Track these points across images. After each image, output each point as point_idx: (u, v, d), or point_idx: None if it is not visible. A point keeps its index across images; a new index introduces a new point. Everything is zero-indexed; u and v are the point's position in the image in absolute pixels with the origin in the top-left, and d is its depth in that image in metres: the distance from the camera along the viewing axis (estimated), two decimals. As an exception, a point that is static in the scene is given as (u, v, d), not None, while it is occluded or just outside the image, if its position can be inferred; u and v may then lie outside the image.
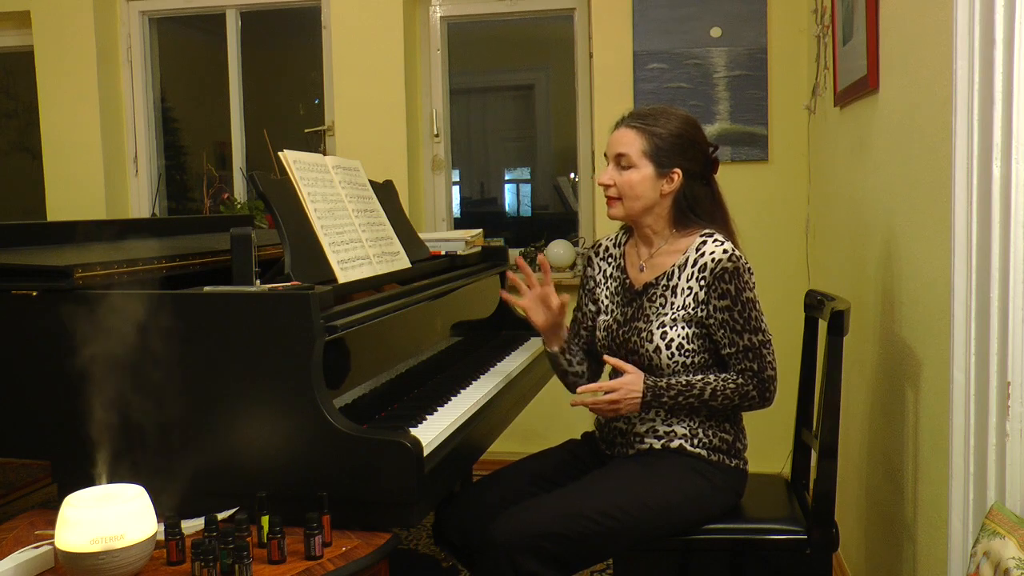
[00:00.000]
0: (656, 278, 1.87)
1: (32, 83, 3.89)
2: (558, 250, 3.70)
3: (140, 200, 4.04)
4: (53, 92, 3.86)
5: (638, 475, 1.80)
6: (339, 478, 1.51)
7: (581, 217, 3.85)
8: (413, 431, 1.62)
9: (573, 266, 3.73)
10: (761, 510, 1.91)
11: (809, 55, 3.24)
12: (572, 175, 3.91)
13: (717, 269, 1.77)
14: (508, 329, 2.77)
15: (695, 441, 1.82)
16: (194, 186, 4.20)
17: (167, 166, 4.17)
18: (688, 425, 1.83)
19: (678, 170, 1.83)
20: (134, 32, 4.00)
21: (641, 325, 1.84)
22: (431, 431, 1.68)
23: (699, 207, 1.86)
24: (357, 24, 3.67)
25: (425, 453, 1.54)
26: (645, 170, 1.82)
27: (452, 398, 1.95)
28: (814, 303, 2.03)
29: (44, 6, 3.82)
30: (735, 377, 1.79)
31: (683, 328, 1.80)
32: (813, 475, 1.87)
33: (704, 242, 1.81)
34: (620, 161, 1.84)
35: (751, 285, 1.79)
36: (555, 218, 4.12)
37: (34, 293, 1.63)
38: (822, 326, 1.91)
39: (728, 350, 1.79)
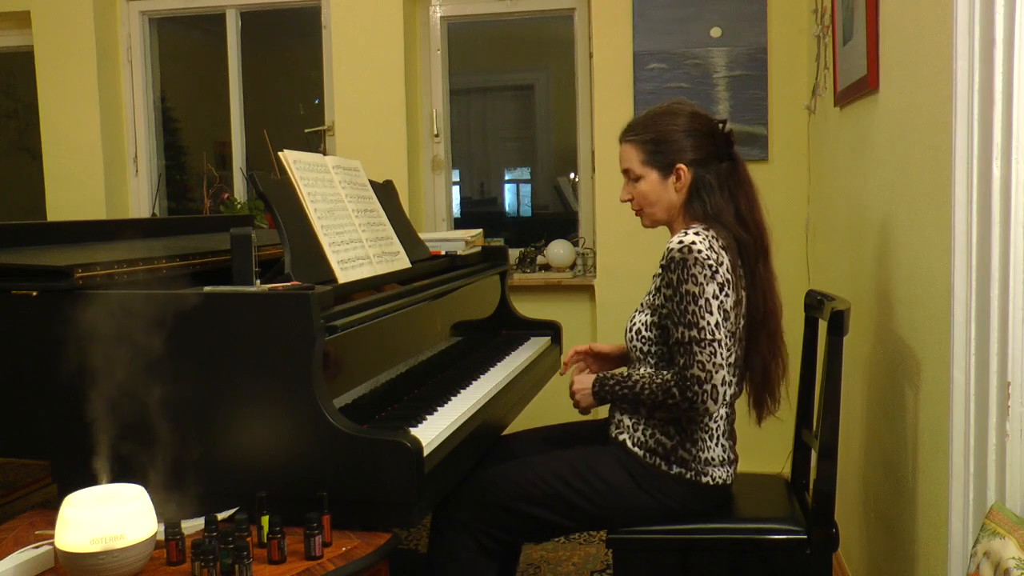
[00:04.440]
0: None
1: (32, 83, 3.89)
2: (558, 250, 3.70)
3: (140, 200, 4.04)
4: (53, 92, 3.86)
5: (574, 456, 1.87)
6: (339, 478, 1.51)
7: (581, 217, 3.84)
8: (413, 431, 1.62)
9: (573, 266, 3.73)
10: (761, 510, 1.91)
11: (809, 55, 3.24)
12: (572, 175, 3.91)
13: (668, 257, 1.76)
14: (508, 329, 2.77)
15: (634, 439, 1.84)
16: (194, 186, 4.20)
17: (167, 166, 4.17)
18: (633, 419, 1.86)
19: (681, 165, 1.84)
20: (134, 32, 4.00)
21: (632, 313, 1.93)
22: (431, 431, 1.68)
23: (711, 198, 1.84)
24: (357, 24, 3.67)
25: (425, 453, 1.54)
26: (650, 176, 1.87)
27: (452, 398, 1.95)
28: (814, 303, 2.03)
29: (44, 6, 3.82)
30: (666, 373, 1.79)
31: (647, 315, 1.85)
32: (813, 475, 1.87)
33: (679, 233, 1.80)
34: (628, 176, 1.91)
35: (698, 279, 1.72)
36: (555, 218, 4.12)
37: (34, 293, 1.63)
38: (822, 326, 1.91)
39: (671, 342, 1.78)
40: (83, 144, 3.84)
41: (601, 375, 1.89)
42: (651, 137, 1.85)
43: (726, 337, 1.74)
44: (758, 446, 2.52)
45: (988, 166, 1.34)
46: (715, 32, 3.39)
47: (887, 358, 1.99)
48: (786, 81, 3.38)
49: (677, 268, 1.73)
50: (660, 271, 1.81)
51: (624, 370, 1.92)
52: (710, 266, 1.73)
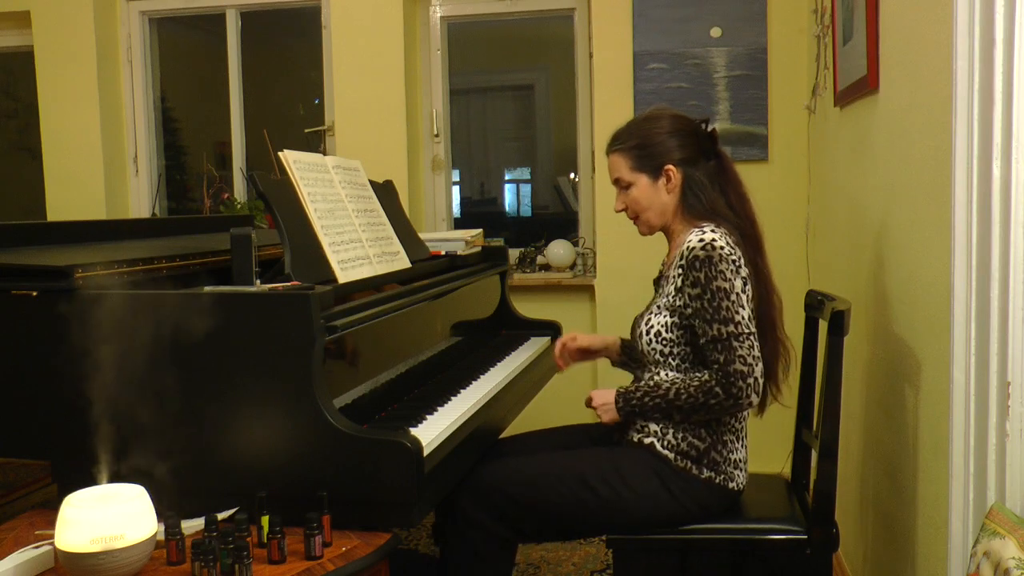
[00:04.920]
0: (662, 272, 1.93)
1: (32, 83, 3.89)
2: (558, 250, 3.70)
3: (140, 200, 4.04)
4: (53, 92, 3.86)
5: (601, 460, 1.84)
6: (339, 478, 1.51)
7: (581, 217, 3.85)
8: (413, 431, 1.62)
9: (573, 266, 3.73)
10: (761, 510, 1.91)
11: (809, 55, 3.24)
12: (572, 175, 3.91)
13: (690, 257, 1.77)
14: (508, 329, 2.77)
15: (664, 442, 1.82)
16: (194, 186, 4.20)
17: (167, 166, 4.17)
18: (661, 423, 1.83)
19: (670, 166, 1.86)
20: (134, 32, 4.00)
21: (642, 315, 1.90)
22: (431, 431, 1.68)
23: (704, 194, 1.87)
24: (357, 24, 3.67)
25: (425, 453, 1.54)
26: (640, 181, 1.89)
27: (452, 398, 1.95)
28: (814, 303, 2.03)
29: (44, 6, 3.82)
30: (702, 374, 1.78)
31: (665, 317, 1.83)
32: (813, 475, 1.87)
33: (694, 232, 1.81)
34: (620, 185, 1.92)
35: (726, 275, 1.74)
36: (555, 218, 4.12)
37: (34, 293, 1.63)
38: (822, 326, 1.91)
39: (701, 341, 1.77)
40: (83, 144, 3.84)
41: (623, 389, 1.86)
42: (637, 143, 1.88)
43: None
44: (758, 446, 2.51)
45: (988, 166, 1.34)
46: (715, 32, 3.39)
47: (887, 358, 2.00)
48: (786, 81, 3.37)
49: (704, 266, 1.74)
50: (680, 271, 1.80)
51: (645, 384, 1.87)
52: (734, 261, 1.76)
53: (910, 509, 1.81)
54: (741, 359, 1.71)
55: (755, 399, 1.73)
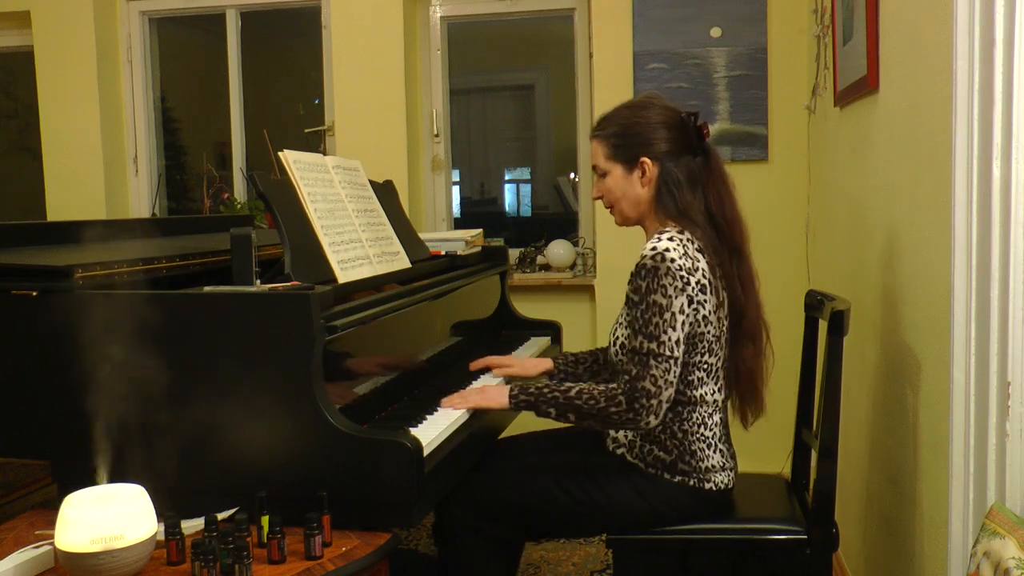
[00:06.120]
0: None
1: (32, 83, 3.89)
2: (558, 250, 3.70)
3: (140, 200, 4.04)
4: (53, 92, 3.86)
5: (577, 465, 1.86)
6: (339, 478, 1.51)
7: (581, 217, 3.85)
8: (413, 431, 1.62)
9: (573, 266, 3.73)
10: (761, 510, 1.91)
11: (809, 55, 3.24)
12: (572, 175, 3.91)
13: (639, 264, 1.71)
14: (508, 329, 2.77)
15: (633, 454, 1.83)
16: (194, 186, 4.20)
17: (167, 166, 4.17)
18: (628, 436, 1.84)
19: (645, 159, 1.80)
20: (134, 32, 4.00)
21: (617, 320, 1.88)
22: (431, 431, 1.68)
23: (678, 194, 1.79)
24: (357, 24, 3.67)
25: (425, 453, 1.54)
26: (615, 171, 1.84)
27: (452, 398, 1.95)
28: (814, 303, 2.03)
29: (44, 6, 3.82)
30: (611, 384, 1.74)
31: (626, 330, 1.78)
32: (813, 475, 1.87)
33: (654, 238, 1.75)
34: (596, 172, 1.89)
35: (667, 291, 1.67)
36: (555, 218, 4.11)
37: (34, 293, 1.63)
38: (822, 326, 1.91)
39: (628, 347, 1.72)
40: (83, 144, 3.84)
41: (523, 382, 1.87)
42: (615, 131, 1.83)
43: (684, 354, 1.71)
44: (758, 446, 2.52)
45: (988, 166, 1.34)
46: (715, 32, 3.39)
47: (887, 358, 1.99)
48: (786, 81, 3.37)
49: (648, 276, 1.68)
50: (631, 277, 1.74)
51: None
52: (682, 277, 1.68)
53: (910, 509, 1.81)
54: (652, 379, 1.67)
55: (652, 421, 1.68)
